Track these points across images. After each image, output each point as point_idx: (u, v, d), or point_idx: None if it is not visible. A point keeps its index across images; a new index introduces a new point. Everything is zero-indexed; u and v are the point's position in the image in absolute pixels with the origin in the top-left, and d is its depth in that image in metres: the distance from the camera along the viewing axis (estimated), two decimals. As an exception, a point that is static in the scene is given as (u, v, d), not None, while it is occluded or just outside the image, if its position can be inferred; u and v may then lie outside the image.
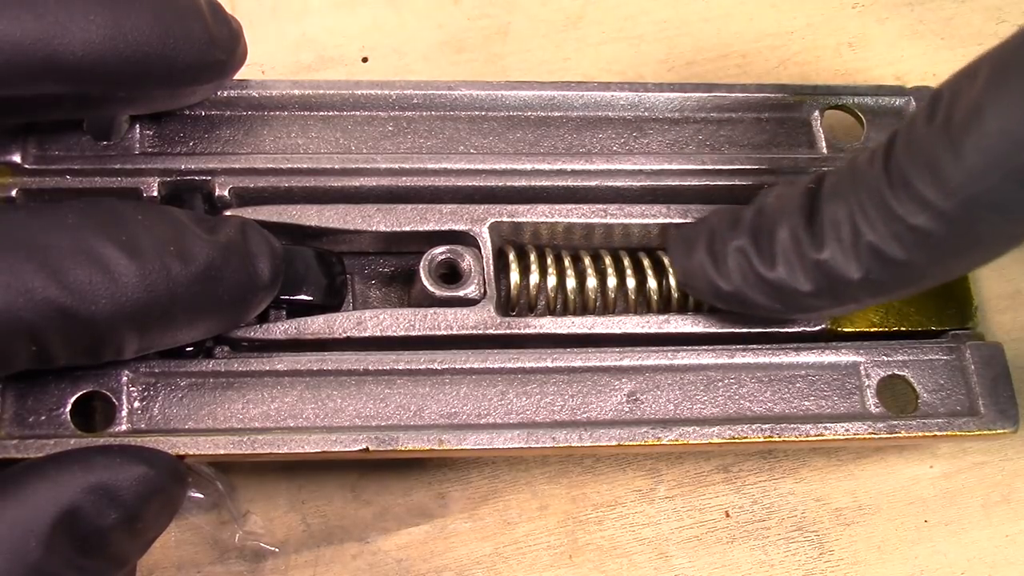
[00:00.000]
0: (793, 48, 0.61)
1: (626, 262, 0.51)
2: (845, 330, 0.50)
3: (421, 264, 0.49)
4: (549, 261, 0.50)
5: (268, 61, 0.58)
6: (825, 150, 0.53)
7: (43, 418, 0.44)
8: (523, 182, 0.51)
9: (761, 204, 0.47)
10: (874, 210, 0.42)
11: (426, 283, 0.49)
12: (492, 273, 0.49)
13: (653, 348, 0.49)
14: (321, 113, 0.51)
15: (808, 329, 0.50)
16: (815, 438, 0.48)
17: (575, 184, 0.51)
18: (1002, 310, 0.55)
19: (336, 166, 0.50)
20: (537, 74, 0.59)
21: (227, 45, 0.45)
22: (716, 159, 0.52)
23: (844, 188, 0.43)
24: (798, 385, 0.49)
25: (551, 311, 0.51)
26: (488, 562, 0.50)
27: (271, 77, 0.56)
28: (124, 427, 0.45)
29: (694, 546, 0.50)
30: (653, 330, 0.49)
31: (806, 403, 0.49)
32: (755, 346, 0.49)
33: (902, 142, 0.42)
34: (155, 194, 0.48)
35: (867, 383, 0.49)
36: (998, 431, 0.49)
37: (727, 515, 0.51)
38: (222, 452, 0.45)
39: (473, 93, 0.52)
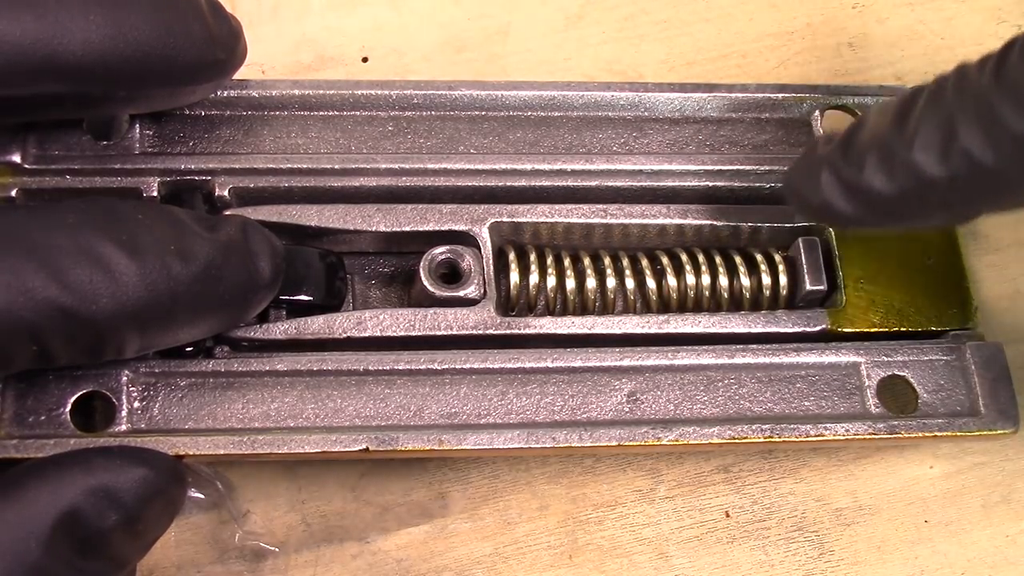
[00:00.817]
0: (793, 48, 0.61)
1: (625, 262, 0.51)
2: (845, 330, 0.50)
3: (421, 264, 0.49)
4: (549, 261, 0.50)
5: (268, 61, 0.58)
6: (826, 150, 0.53)
7: (43, 418, 0.44)
8: (523, 182, 0.51)
9: (860, 118, 0.46)
10: (975, 114, 0.41)
11: (426, 283, 0.48)
12: (492, 273, 0.49)
13: (653, 348, 0.49)
14: (321, 113, 0.51)
15: (808, 330, 0.50)
16: (815, 438, 0.48)
17: (575, 184, 0.51)
18: (1002, 310, 0.55)
19: (336, 166, 0.50)
20: (537, 74, 0.59)
21: (227, 44, 0.44)
22: (716, 159, 0.52)
23: (945, 92, 0.42)
24: (798, 385, 0.49)
25: (551, 311, 0.50)
26: (488, 562, 0.49)
27: (271, 77, 0.56)
28: (124, 427, 0.45)
29: (694, 546, 0.50)
30: (653, 330, 0.49)
31: (806, 403, 0.49)
32: (755, 346, 0.49)
33: (1018, 52, 0.41)
34: (155, 194, 0.48)
35: (867, 383, 0.49)
36: (998, 431, 0.49)
37: (727, 515, 0.51)
38: (222, 452, 0.45)
39: (473, 93, 0.52)
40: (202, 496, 0.48)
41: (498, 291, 0.49)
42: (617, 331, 0.49)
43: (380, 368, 0.47)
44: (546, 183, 0.51)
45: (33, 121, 0.47)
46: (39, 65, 0.40)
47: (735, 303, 0.51)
